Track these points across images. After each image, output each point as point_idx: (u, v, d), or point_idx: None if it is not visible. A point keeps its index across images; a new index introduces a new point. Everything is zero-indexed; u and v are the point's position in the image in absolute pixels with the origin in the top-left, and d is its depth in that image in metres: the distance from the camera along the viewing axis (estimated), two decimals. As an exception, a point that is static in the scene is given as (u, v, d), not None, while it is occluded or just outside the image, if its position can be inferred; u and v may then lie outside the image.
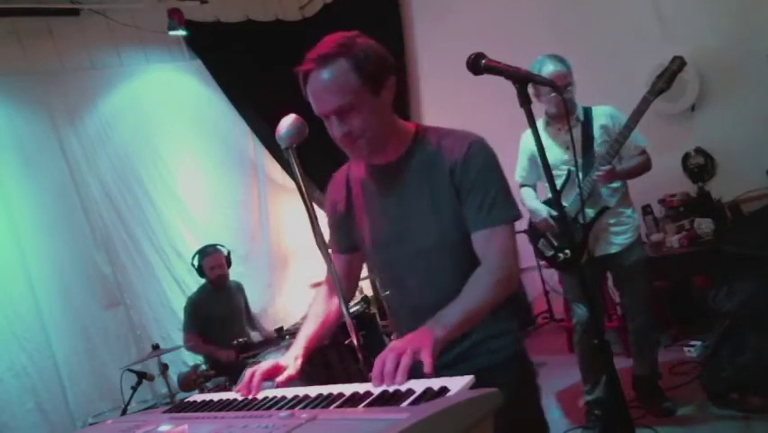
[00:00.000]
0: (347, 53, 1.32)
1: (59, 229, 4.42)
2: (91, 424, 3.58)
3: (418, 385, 1.05)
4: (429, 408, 0.92)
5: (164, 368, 3.87)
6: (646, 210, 3.92)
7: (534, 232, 3.05)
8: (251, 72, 5.29)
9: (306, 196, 1.54)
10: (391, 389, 1.09)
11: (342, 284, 1.63)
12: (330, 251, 1.69)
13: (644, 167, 2.86)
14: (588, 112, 2.86)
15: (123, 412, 3.53)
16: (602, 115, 2.86)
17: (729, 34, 3.68)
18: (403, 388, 1.07)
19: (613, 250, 2.86)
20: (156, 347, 3.88)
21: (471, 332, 1.38)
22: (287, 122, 1.50)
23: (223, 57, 5.31)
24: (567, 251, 2.91)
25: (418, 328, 1.22)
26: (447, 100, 5.11)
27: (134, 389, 3.61)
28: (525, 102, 1.41)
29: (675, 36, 3.83)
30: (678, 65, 2.71)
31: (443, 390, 1.01)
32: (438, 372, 1.11)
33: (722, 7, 3.72)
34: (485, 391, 0.98)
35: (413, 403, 0.99)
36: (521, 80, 1.39)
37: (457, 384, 1.01)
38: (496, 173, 1.41)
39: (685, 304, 3.76)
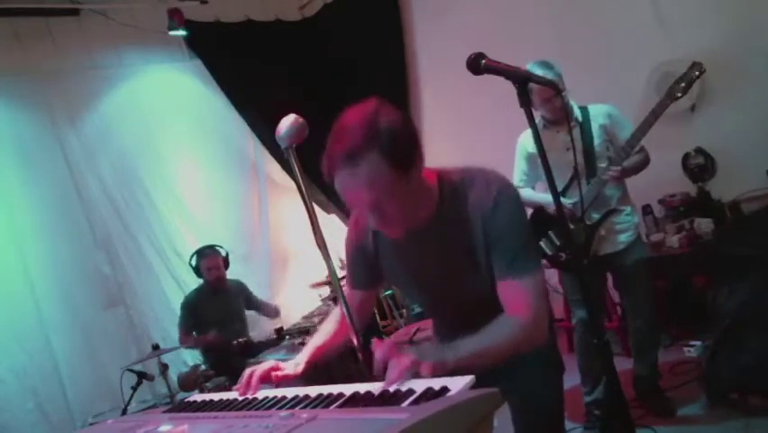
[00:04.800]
0: (375, 143, 1.22)
1: (59, 229, 4.42)
2: (91, 424, 3.60)
3: (418, 385, 1.06)
4: (429, 408, 0.92)
5: (164, 368, 3.87)
6: (646, 210, 3.92)
7: (537, 230, 3.04)
8: (251, 72, 5.29)
9: (305, 196, 1.54)
10: (391, 389, 1.09)
11: (359, 317, 1.65)
12: (342, 259, 1.71)
13: (645, 162, 2.85)
14: (585, 112, 2.85)
15: (123, 412, 3.53)
16: (600, 115, 2.85)
17: (729, 34, 3.68)
18: (403, 388, 1.07)
19: (616, 249, 2.85)
20: (156, 347, 3.89)
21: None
22: (287, 122, 1.50)
23: (223, 57, 5.31)
24: (568, 251, 2.90)
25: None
26: (447, 100, 5.11)
27: (134, 389, 3.62)
28: (524, 102, 1.41)
29: (675, 36, 3.83)
30: (698, 71, 2.70)
31: (444, 390, 1.01)
32: None
33: (722, 7, 3.72)
34: (485, 391, 0.98)
35: (413, 403, 0.99)
36: (521, 80, 1.39)
37: (457, 384, 1.02)
38: (522, 223, 1.40)
39: (685, 304, 3.75)
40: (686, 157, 3.88)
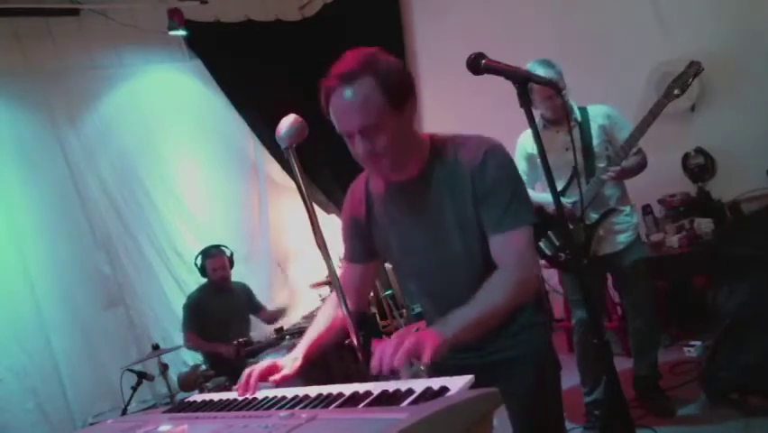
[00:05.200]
0: (372, 70, 1.30)
1: (59, 229, 4.42)
2: (91, 424, 3.60)
3: (418, 385, 1.05)
4: (429, 407, 0.92)
5: (164, 368, 3.87)
6: (646, 210, 3.92)
7: (537, 230, 3.04)
8: (251, 72, 5.29)
9: (305, 196, 1.54)
10: (391, 389, 1.09)
11: (355, 293, 1.66)
12: (341, 258, 1.71)
13: (643, 164, 2.85)
14: (584, 112, 2.86)
15: (123, 412, 3.53)
16: (599, 115, 2.85)
17: (729, 34, 3.68)
18: (403, 388, 1.07)
19: (615, 249, 2.85)
20: (156, 347, 3.88)
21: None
22: (287, 122, 1.51)
23: (223, 57, 5.31)
24: (568, 251, 2.90)
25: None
26: (447, 100, 5.10)
27: (134, 389, 3.62)
28: (524, 102, 1.41)
29: (675, 36, 3.83)
30: (695, 70, 2.70)
31: (443, 389, 1.01)
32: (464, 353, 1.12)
33: (722, 7, 3.72)
34: (484, 391, 0.98)
35: (413, 403, 0.99)
36: (521, 80, 1.39)
37: (457, 384, 1.02)
38: (511, 178, 1.41)
39: (685, 304, 3.75)
40: (686, 157, 3.88)
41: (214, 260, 4.32)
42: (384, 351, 1.13)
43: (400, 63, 1.38)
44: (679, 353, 3.48)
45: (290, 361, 1.54)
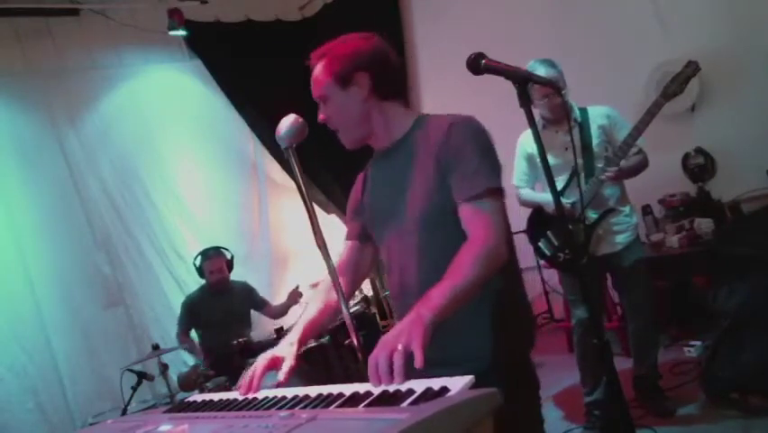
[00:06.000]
0: (327, 54, 1.53)
1: (59, 229, 4.42)
2: (91, 424, 3.60)
3: (418, 385, 1.05)
4: (429, 408, 0.92)
5: (164, 368, 3.86)
6: (646, 210, 3.92)
7: (536, 231, 3.04)
8: (251, 72, 5.29)
9: (305, 196, 1.54)
10: (391, 389, 1.08)
11: (350, 273, 1.68)
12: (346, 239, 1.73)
13: (644, 164, 2.86)
14: (584, 113, 2.86)
15: (123, 412, 3.53)
16: (599, 116, 2.86)
17: (729, 34, 3.68)
18: (403, 388, 1.07)
19: (614, 249, 2.85)
20: (156, 347, 3.88)
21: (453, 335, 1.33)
22: (287, 122, 1.51)
23: (223, 57, 5.31)
24: (567, 251, 2.91)
25: (407, 312, 1.20)
26: (447, 100, 5.10)
27: (134, 389, 3.61)
28: (524, 102, 1.41)
29: (675, 36, 3.83)
30: (692, 70, 2.71)
31: (443, 390, 1.01)
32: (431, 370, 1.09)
33: (722, 7, 3.72)
34: (485, 391, 0.98)
35: (413, 403, 0.99)
36: (521, 80, 1.39)
37: (457, 384, 1.01)
38: (477, 146, 1.41)
39: (685, 304, 3.75)
40: (686, 157, 3.88)
41: (212, 262, 4.29)
42: (378, 365, 1.11)
43: (359, 44, 1.53)
44: (679, 353, 3.48)
45: (287, 347, 1.54)
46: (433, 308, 1.19)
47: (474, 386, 1.01)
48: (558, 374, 3.56)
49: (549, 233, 2.98)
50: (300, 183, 1.53)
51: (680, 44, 3.74)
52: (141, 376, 3.69)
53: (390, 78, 1.54)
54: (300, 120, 1.52)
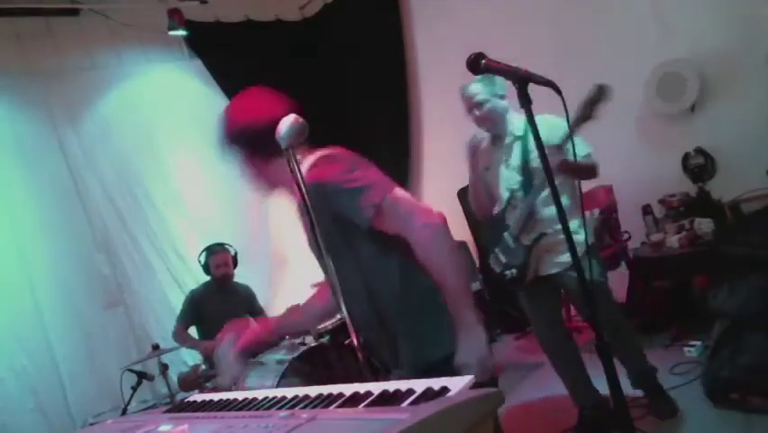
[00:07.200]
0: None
1: (59, 229, 4.42)
2: (91, 424, 3.59)
3: (418, 385, 1.05)
4: (429, 408, 0.92)
5: (164, 368, 3.87)
6: (646, 210, 3.91)
7: (490, 245, 2.91)
8: (251, 72, 5.26)
9: (306, 196, 1.54)
10: (391, 389, 1.08)
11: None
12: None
13: (592, 168, 2.61)
14: (529, 126, 2.69)
15: (123, 412, 3.53)
16: (540, 127, 2.64)
17: (729, 34, 3.68)
18: (403, 388, 1.07)
19: (555, 269, 2.71)
20: (156, 347, 3.88)
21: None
22: (287, 122, 1.51)
23: (223, 57, 5.31)
24: (514, 270, 2.78)
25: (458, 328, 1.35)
26: (447, 100, 5.09)
27: (134, 389, 3.61)
28: (524, 102, 1.41)
29: (675, 36, 3.83)
30: (599, 93, 2.37)
31: (444, 390, 1.01)
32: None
33: (722, 7, 3.72)
34: (485, 391, 0.98)
35: (413, 403, 0.99)
36: (520, 80, 1.40)
37: (457, 384, 1.01)
38: (339, 184, 1.51)
39: (685, 304, 3.75)
40: (686, 157, 3.88)
41: (218, 256, 4.33)
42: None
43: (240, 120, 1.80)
44: (679, 353, 3.47)
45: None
46: (471, 309, 1.42)
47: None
48: (554, 375, 3.52)
49: (497, 249, 2.86)
50: (300, 183, 1.53)
51: (680, 44, 3.75)
52: (141, 376, 3.69)
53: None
54: (300, 120, 1.52)
